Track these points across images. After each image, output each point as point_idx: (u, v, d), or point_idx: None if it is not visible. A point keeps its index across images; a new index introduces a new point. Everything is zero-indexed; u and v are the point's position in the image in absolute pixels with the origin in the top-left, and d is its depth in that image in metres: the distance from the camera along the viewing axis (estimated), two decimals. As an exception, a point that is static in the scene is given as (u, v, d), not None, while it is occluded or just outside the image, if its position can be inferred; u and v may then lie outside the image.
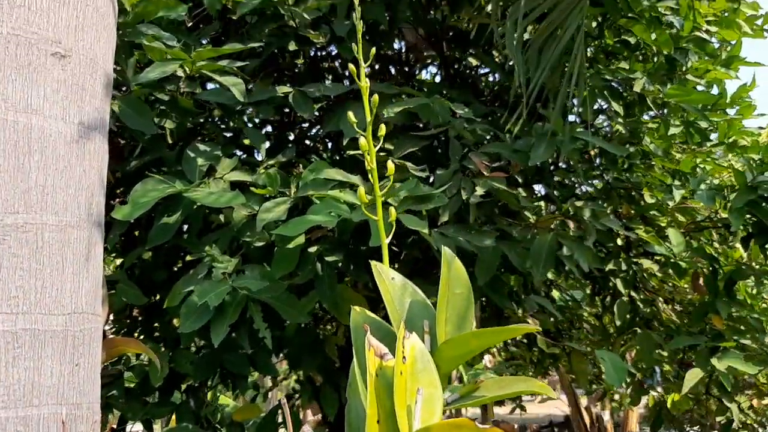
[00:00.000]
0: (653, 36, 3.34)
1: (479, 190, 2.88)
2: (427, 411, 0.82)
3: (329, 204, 2.72)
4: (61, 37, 1.05)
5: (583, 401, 10.16)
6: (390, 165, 1.23)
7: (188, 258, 3.07)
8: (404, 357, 0.85)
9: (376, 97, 1.18)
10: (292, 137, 3.94)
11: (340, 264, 2.93)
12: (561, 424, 12.24)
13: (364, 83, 1.15)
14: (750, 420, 4.09)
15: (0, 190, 1.03)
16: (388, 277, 1.04)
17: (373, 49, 1.37)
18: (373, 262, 1.10)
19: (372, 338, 0.93)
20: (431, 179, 3.05)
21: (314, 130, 4.16)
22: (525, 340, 5.87)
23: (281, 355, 3.78)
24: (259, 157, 3.26)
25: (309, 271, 2.92)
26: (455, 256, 1.06)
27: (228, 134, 3.51)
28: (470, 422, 0.71)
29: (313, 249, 2.97)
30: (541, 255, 3.09)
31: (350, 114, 1.19)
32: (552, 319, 4.22)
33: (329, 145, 4.00)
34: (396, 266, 3.32)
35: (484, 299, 3.63)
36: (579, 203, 3.41)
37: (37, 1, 1.04)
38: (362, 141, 1.17)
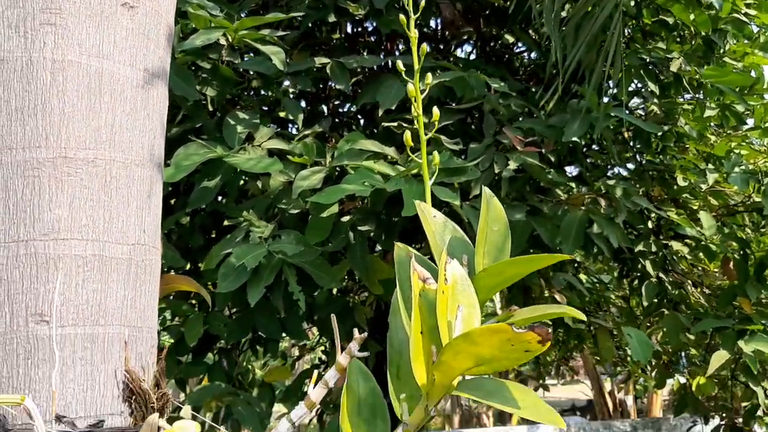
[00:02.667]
0: (692, 16, 3.33)
1: (512, 165, 2.92)
2: (466, 326, 0.88)
3: (363, 174, 2.78)
4: (128, -11, 1.13)
5: (607, 386, 10.16)
6: (435, 111, 1.28)
7: (225, 223, 3.16)
8: (446, 279, 0.91)
9: (424, 46, 1.23)
10: (326, 112, 4.01)
11: (372, 234, 3.00)
12: (583, 408, 12.25)
13: (413, 33, 1.21)
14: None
15: (74, 127, 1.11)
16: (430, 215, 1.10)
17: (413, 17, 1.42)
18: (417, 201, 1.16)
19: (416, 264, 0.99)
20: (464, 154, 3.10)
21: (347, 107, 4.23)
22: (549, 320, 5.91)
23: (310, 323, 3.89)
24: (294, 131, 3.35)
25: (342, 239, 3.00)
26: (493, 195, 1.12)
27: (264, 108, 3.60)
28: (507, 326, 0.77)
29: (346, 218, 3.04)
30: (570, 231, 3.13)
31: (410, 86, 1.23)
32: (578, 299, 4.25)
33: (361, 121, 4.07)
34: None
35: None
36: (611, 182, 3.44)
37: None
38: (410, 87, 1.22)
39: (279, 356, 4.40)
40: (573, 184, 3.90)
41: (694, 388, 4.31)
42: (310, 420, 1.05)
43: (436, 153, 1.27)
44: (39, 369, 1.06)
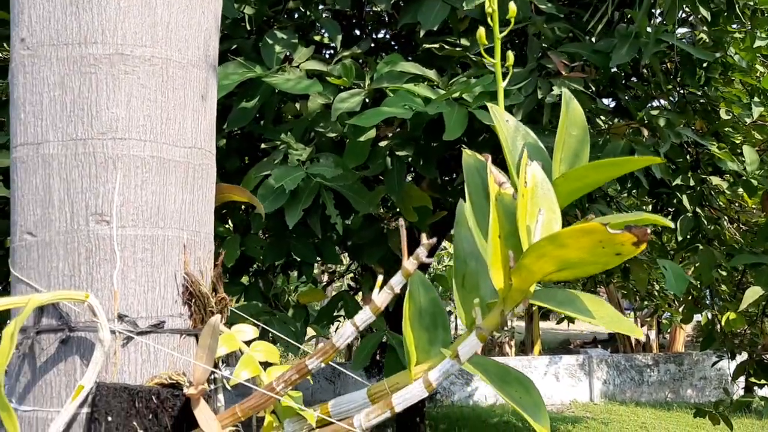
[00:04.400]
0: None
1: (556, 90, 2.84)
2: (546, 231, 0.86)
3: (404, 97, 2.72)
4: None
5: (630, 320, 10.21)
6: (481, 31, 1.22)
7: (263, 146, 3.14)
8: (526, 182, 0.89)
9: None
10: (363, 36, 3.92)
11: (410, 159, 2.96)
12: (605, 342, 12.37)
13: None
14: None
15: (130, 23, 1.08)
16: (503, 119, 1.06)
17: None
18: (490, 105, 1.13)
19: (492, 166, 0.96)
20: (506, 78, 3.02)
21: (382, 32, 4.13)
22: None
23: (342, 249, 3.91)
24: (328, 56, 3.27)
25: (379, 164, 2.97)
26: (573, 97, 1.07)
27: (300, 33, 3.52)
28: (601, 226, 0.75)
29: (383, 143, 3.00)
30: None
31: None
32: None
33: (397, 47, 3.97)
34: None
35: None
36: (654, 112, 3.34)
37: None
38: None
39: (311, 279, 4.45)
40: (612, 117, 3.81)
41: (723, 324, 4.30)
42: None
43: (510, 53, 1.22)
44: (100, 268, 1.06)
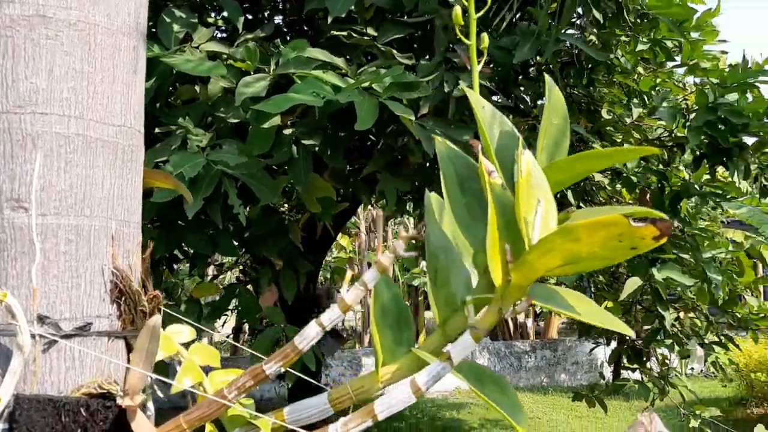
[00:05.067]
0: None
1: (462, 85, 2.85)
2: (544, 223, 0.83)
3: (313, 84, 2.64)
4: None
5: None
6: (484, 36, 1.17)
7: (156, 130, 2.94)
8: (521, 171, 0.85)
9: None
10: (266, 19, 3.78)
11: (316, 148, 2.88)
12: (484, 332, 12.74)
13: None
14: (675, 330, 4.38)
15: (55, -20, 0.94)
16: (480, 105, 1.02)
17: None
18: (466, 89, 1.08)
19: (483, 156, 0.92)
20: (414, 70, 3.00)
21: (278, 18, 4.00)
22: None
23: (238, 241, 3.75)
24: (221, 38, 3.11)
25: (284, 153, 2.87)
26: (555, 84, 1.05)
27: (196, 13, 3.33)
28: (623, 219, 0.72)
29: (288, 131, 2.90)
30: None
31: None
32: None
33: (296, 34, 3.86)
34: (371, 158, 3.30)
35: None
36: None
37: None
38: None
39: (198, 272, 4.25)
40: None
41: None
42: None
43: (485, 35, 1.18)
44: (17, 263, 0.91)
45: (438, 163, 3.41)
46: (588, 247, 0.74)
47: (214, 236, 3.19)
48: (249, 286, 4.01)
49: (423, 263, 10.28)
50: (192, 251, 3.30)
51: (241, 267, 4.86)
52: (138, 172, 1.06)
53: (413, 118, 2.59)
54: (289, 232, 3.35)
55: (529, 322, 10.80)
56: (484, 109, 1.01)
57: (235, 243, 3.98)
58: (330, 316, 0.93)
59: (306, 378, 1.47)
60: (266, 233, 3.36)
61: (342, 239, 9.21)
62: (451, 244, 0.99)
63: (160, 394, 1.02)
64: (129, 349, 1.00)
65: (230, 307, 3.69)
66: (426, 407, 7.78)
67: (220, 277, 5.71)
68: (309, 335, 0.94)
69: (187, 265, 3.50)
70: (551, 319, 10.06)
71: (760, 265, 6.02)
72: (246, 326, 7.44)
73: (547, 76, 1.06)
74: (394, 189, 3.23)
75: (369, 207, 9.04)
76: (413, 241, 0.93)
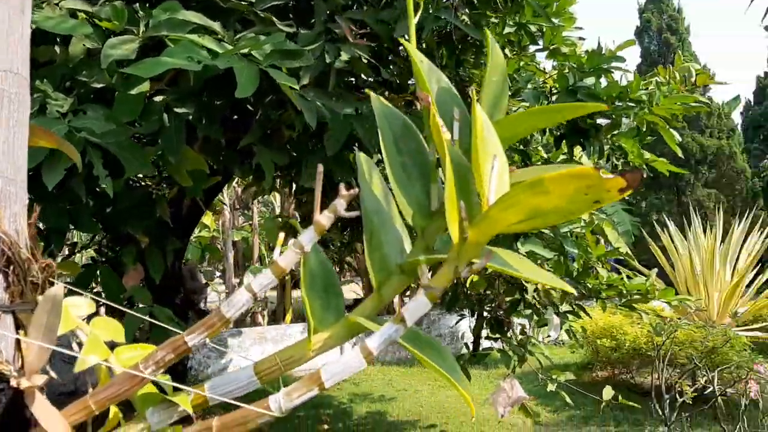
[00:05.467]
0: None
1: (344, 56, 2.82)
2: (500, 179, 0.81)
3: (188, 48, 2.49)
4: None
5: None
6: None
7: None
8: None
9: None
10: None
11: (190, 117, 2.72)
12: (350, 307, 12.88)
13: None
14: (535, 301, 4.64)
15: None
16: (419, 58, 0.98)
17: None
18: (404, 41, 1.04)
19: (435, 109, 0.88)
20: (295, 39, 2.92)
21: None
22: (339, 223, 6.05)
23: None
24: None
25: (154, 121, 2.69)
26: (496, 43, 1.03)
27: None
28: (593, 171, 0.70)
29: (159, 98, 2.73)
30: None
31: None
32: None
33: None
34: (245, 130, 3.18)
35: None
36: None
37: None
38: None
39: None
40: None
41: (468, 285, 4.73)
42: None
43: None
44: None
45: (313, 138, 3.34)
46: (556, 200, 0.73)
47: (72, 211, 2.94)
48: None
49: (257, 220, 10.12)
50: (47, 227, 3.02)
51: (96, 246, 4.54)
52: (25, 124, 0.93)
53: (297, 86, 2.52)
54: (156, 207, 3.16)
55: (396, 298, 11.03)
56: (422, 63, 0.98)
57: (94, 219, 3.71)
58: (262, 282, 0.87)
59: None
60: (130, 208, 3.15)
61: (205, 217, 8.87)
62: (383, 205, 0.95)
63: (54, 375, 0.91)
64: (17, 325, 0.88)
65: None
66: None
67: (72, 257, 5.28)
68: (238, 302, 0.87)
69: (41, 243, 3.20)
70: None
71: (602, 240, 6.54)
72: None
73: (488, 34, 1.05)
74: (271, 162, 3.14)
75: (233, 184, 8.77)
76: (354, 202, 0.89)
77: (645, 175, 4.28)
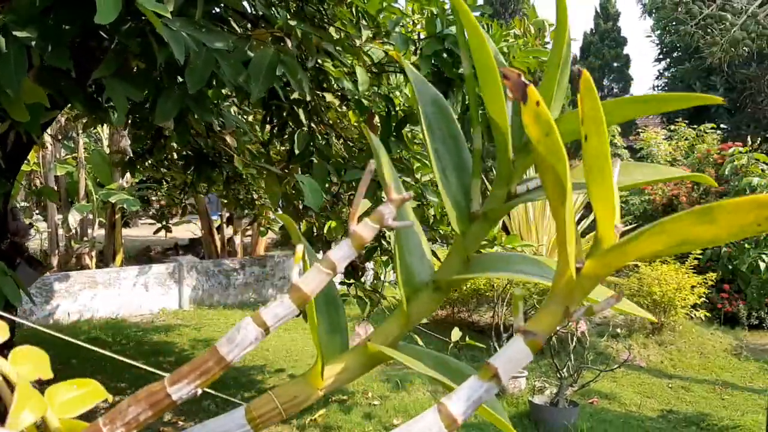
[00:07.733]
0: None
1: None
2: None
3: (31, -41, 2.11)
4: None
5: (216, 224, 10.32)
6: None
7: None
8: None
9: None
10: None
11: (33, 43, 2.33)
12: (186, 247, 12.34)
13: None
14: (390, 247, 4.69)
15: None
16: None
17: None
18: None
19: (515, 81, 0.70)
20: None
21: None
22: (180, 161, 5.65)
23: None
24: None
25: (-14, 44, 2.27)
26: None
27: None
28: None
29: (-8, 17, 2.30)
30: (261, 70, 2.94)
31: None
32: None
33: None
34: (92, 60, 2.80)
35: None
36: (292, 22, 3.29)
37: None
38: None
39: None
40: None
41: (326, 231, 4.66)
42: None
43: None
44: None
45: (171, 74, 3.00)
46: (718, 230, 0.57)
47: None
48: None
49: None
50: None
51: None
52: None
53: (167, 14, 2.23)
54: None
55: (237, 239, 10.69)
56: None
57: None
58: (276, 313, 0.64)
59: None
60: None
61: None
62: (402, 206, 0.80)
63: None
64: None
65: None
66: (130, 332, 7.28)
67: None
68: (243, 340, 0.67)
69: None
70: (258, 236, 10.10)
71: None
72: None
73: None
74: (124, 97, 2.81)
75: (59, 113, 7.87)
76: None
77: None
